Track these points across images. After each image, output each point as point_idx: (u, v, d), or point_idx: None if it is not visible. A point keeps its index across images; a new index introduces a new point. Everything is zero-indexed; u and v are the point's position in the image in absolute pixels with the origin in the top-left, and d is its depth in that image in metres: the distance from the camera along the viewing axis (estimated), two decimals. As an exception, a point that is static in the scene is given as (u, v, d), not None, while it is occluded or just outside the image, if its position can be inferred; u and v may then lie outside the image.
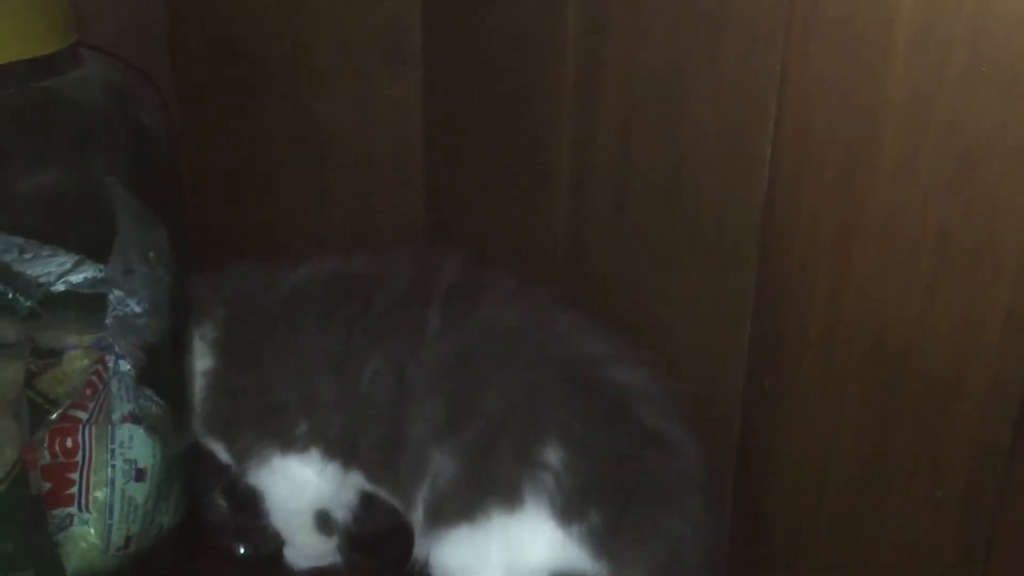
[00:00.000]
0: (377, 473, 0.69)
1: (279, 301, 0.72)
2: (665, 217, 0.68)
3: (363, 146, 0.85)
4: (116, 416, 0.68)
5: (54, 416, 0.68)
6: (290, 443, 0.71)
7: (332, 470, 0.70)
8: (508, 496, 0.61)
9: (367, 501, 0.73)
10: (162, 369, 0.72)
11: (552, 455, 0.61)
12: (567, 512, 0.61)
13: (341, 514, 0.74)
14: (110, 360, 0.69)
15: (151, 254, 0.68)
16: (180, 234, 0.73)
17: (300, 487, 0.72)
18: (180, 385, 0.74)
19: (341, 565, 0.76)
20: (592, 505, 0.61)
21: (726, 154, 0.64)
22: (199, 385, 0.75)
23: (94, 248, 0.70)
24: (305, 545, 0.76)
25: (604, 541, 0.61)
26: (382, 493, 0.71)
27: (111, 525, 0.67)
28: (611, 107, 0.68)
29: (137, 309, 0.69)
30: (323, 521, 0.74)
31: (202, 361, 0.75)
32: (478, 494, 0.62)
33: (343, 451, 0.69)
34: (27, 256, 0.69)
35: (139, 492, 0.69)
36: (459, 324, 0.66)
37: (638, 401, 0.63)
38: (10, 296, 0.67)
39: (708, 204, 0.66)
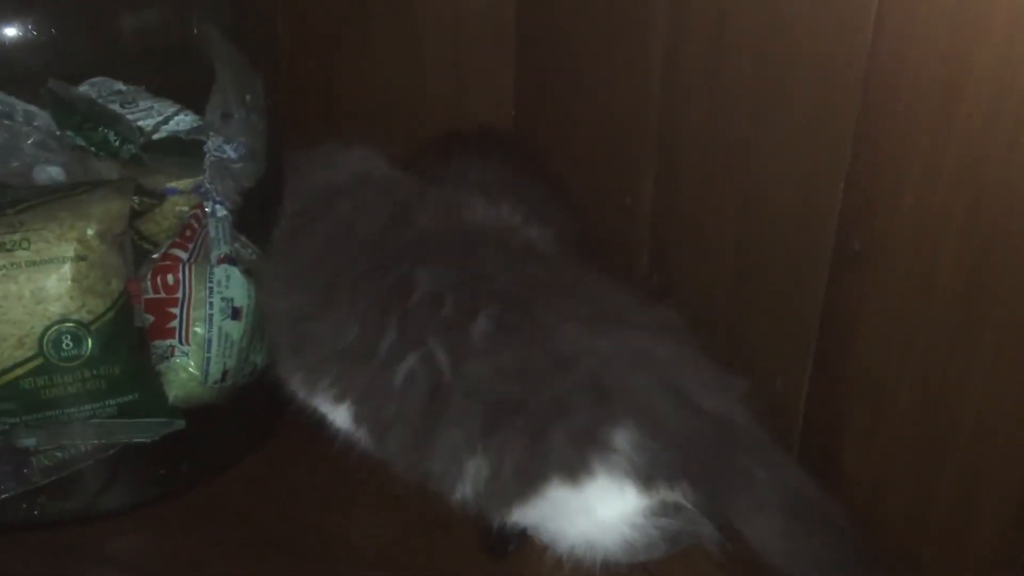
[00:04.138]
0: (408, 467, 0.64)
1: (323, 243, 0.67)
2: (762, 71, 0.66)
3: (456, 9, 0.84)
4: (214, 257, 0.71)
5: (156, 255, 0.71)
6: (318, 390, 0.66)
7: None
8: (570, 474, 0.58)
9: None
10: (256, 216, 0.74)
11: (621, 439, 0.57)
12: (649, 485, 0.58)
13: None
14: (208, 205, 0.72)
15: (248, 97, 0.70)
16: (276, 90, 0.75)
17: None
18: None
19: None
20: (678, 478, 0.58)
21: (829, 3, 0.61)
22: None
23: (192, 102, 0.72)
24: None
25: (710, 507, 0.59)
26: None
27: (209, 358, 0.71)
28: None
29: (233, 155, 0.71)
30: None
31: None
32: (531, 477, 0.59)
33: (373, 437, 0.64)
34: (130, 103, 0.72)
35: (235, 329, 0.72)
36: (510, 333, 0.59)
37: (701, 392, 0.60)
38: (114, 141, 0.70)
39: (808, 57, 0.63)
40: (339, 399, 0.65)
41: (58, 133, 0.69)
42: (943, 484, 0.61)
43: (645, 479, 0.58)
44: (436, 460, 0.61)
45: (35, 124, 0.69)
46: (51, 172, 0.71)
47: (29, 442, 0.68)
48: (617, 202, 0.81)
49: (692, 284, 0.77)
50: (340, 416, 0.66)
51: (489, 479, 0.59)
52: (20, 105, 0.69)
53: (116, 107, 0.71)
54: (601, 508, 0.59)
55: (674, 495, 0.59)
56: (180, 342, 0.71)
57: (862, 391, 0.64)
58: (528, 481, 0.59)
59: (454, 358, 0.60)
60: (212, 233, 0.71)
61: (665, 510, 0.60)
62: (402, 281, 0.62)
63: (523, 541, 0.66)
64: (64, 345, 0.65)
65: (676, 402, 0.59)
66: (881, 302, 0.62)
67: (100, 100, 0.70)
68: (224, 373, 0.72)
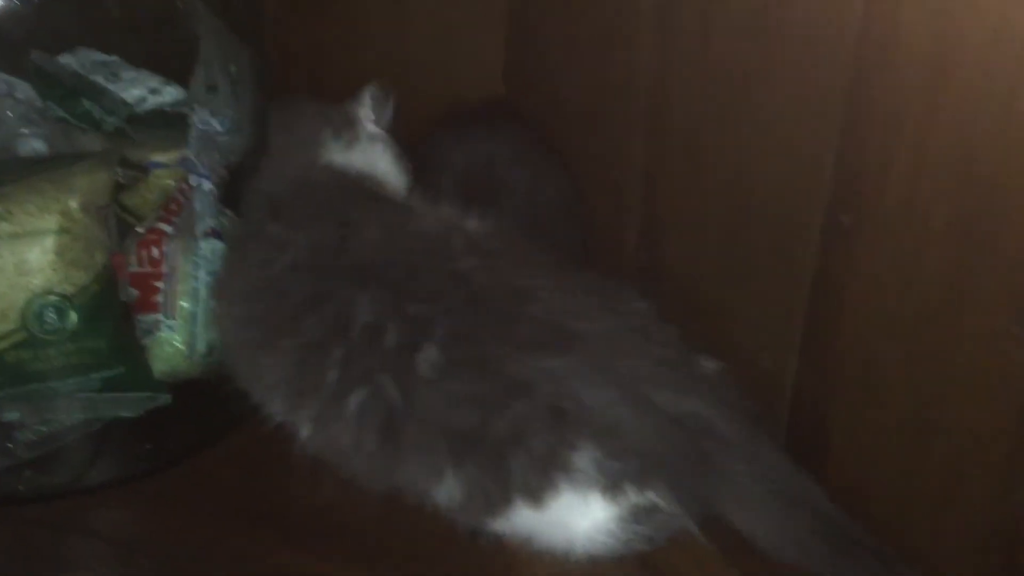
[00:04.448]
0: (373, 485, 0.63)
1: (278, 282, 0.64)
2: (752, 43, 0.65)
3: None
4: (199, 230, 0.71)
5: (140, 229, 0.71)
6: (274, 411, 0.65)
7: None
8: (533, 497, 0.58)
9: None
10: (242, 190, 0.74)
11: (581, 459, 0.57)
12: (617, 496, 0.58)
13: None
14: (193, 178, 0.71)
15: (233, 69, 0.69)
16: (261, 60, 0.74)
17: None
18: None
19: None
20: (649, 483, 0.58)
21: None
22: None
23: (177, 74, 0.72)
24: None
25: (689, 505, 0.58)
26: None
27: (195, 333, 0.71)
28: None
29: (219, 128, 0.71)
30: None
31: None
32: (496, 502, 0.58)
33: (334, 460, 0.64)
34: (114, 76, 0.71)
35: (221, 304, 0.72)
36: (460, 363, 0.58)
37: (667, 396, 0.58)
38: (97, 115, 0.70)
39: (798, 30, 0.62)
40: (294, 424, 0.64)
41: (39, 105, 0.68)
42: (930, 460, 0.61)
43: (612, 491, 0.58)
44: (404, 482, 0.61)
45: (17, 96, 0.69)
46: (35, 146, 0.70)
47: (13, 416, 0.67)
48: (606, 178, 0.80)
49: (681, 260, 0.77)
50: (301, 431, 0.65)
51: (458, 501, 0.59)
52: (2, 76, 0.68)
53: (100, 79, 0.70)
54: (570, 522, 0.59)
55: (646, 499, 0.58)
56: (166, 316, 0.71)
57: (850, 367, 0.64)
58: (494, 505, 0.59)
59: (404, 391, 0.59)
60: (198, 207, 0.71)
61: (637, 515, 0.59)
62: (341, 311, 0.60)
63: None
64: (47, 318, 0.65)
65: (639, 411, 0.58)
66: (870, 278, 0.62)
67: (84, 72, 0.69)
68: (210, 348, 0.72)
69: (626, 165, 0.79)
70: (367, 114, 0.74)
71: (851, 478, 0.65)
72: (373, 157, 0.73)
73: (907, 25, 0.56)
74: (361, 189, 0.70)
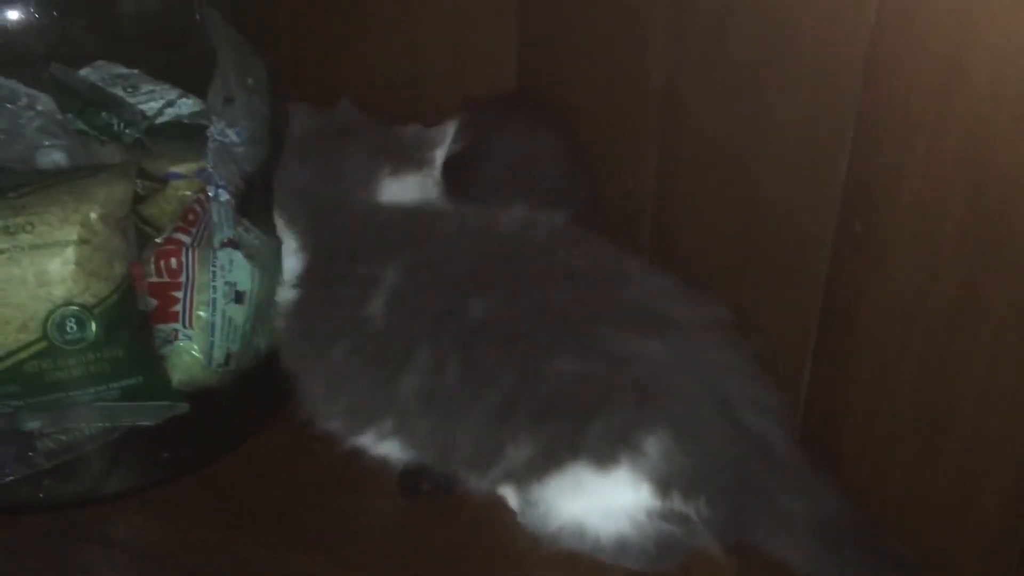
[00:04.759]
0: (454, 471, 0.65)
1: (384, 300, 0.63)
2: (766, 49, 0.66)
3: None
4: (217, 241, 0.71)
5: (159, 239, 0.71)
6: (366, 434, 0.66)
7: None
8: (596, 462, 0.59)
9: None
10: (259, 201, 0.74)
11: (652, 445, 0.58)
12: (666, 492, 0.59)
13: None
14: (211, 189, 0.72)
15: (250, 81, 0.70)
16: (275, 70, 0.75)
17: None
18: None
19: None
20: (696, 494, 0.59)
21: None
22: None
23: (194, 86, 0.72)
24: None
25: (724, 527, 0.59)
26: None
27: (212, 342, 0.72)
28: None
29: (236, 139, 0.71)
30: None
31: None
32: (559, 459, 0.59)
33: (435, 461, 0.65)
34: (133, 88, 0.72)
35: (238, 313, 0.72)
36: (569, 347, 0.60)
37: (746, 405, 0.59)
38: (116, 126, 0.70)
39: (811, 36, 0.63)
40: (403, 445, 0.65)
41: (59, 117, 0.69)
42: (943, 465, 0.61)
43: (664, 486, 0.58)
44: (492, 460, 0.61)
45: (38, 108, 0.69)
46: (55, 158, 0.71)
47: (33, 425, 0.68)
48: (619, 185, 0.81)
49: (694, 266, 0.77)
50: (386, 449, 0.66)
51: (521, 461, 0.60)
52: (23, 89, 0.69)
53: (119, 91, 0.71)
54: (611, 494, 0.60)
55: (686, 508, 0.59)
56: (184, 326, 0.71)
57: (864, 372, 0.65)
58: (555, 462, 0.60)
59: (521, 378, 0.59)
60: (215, 217, 0.71)
61: (670, 517, 0.60)
62: (456, 322, 0.61)
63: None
64: (68, 328, 0.65)
65: (719, 413, 0.58)
66: (882, 284, 0.62)
67: (103, 84, 0.70)
68: (227, 357, 0.73)
69: (639, 169, 0.79)
70: (444, 152, 0.71)
71: (864, 481, 0.65)
72: (425, 184, 0.71)
73: (920, 31, 0.56)
74: (422, 211, 0.68)
